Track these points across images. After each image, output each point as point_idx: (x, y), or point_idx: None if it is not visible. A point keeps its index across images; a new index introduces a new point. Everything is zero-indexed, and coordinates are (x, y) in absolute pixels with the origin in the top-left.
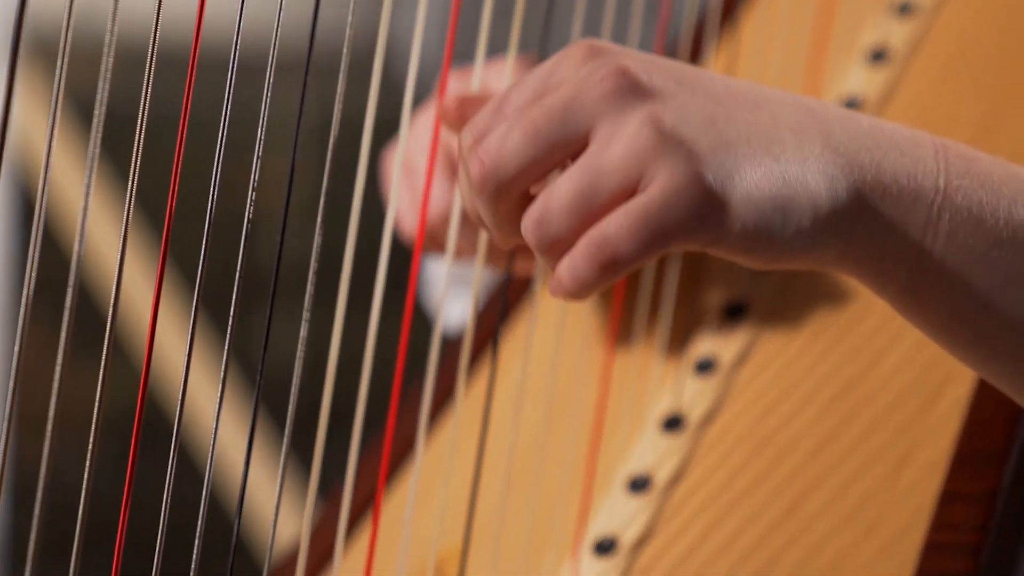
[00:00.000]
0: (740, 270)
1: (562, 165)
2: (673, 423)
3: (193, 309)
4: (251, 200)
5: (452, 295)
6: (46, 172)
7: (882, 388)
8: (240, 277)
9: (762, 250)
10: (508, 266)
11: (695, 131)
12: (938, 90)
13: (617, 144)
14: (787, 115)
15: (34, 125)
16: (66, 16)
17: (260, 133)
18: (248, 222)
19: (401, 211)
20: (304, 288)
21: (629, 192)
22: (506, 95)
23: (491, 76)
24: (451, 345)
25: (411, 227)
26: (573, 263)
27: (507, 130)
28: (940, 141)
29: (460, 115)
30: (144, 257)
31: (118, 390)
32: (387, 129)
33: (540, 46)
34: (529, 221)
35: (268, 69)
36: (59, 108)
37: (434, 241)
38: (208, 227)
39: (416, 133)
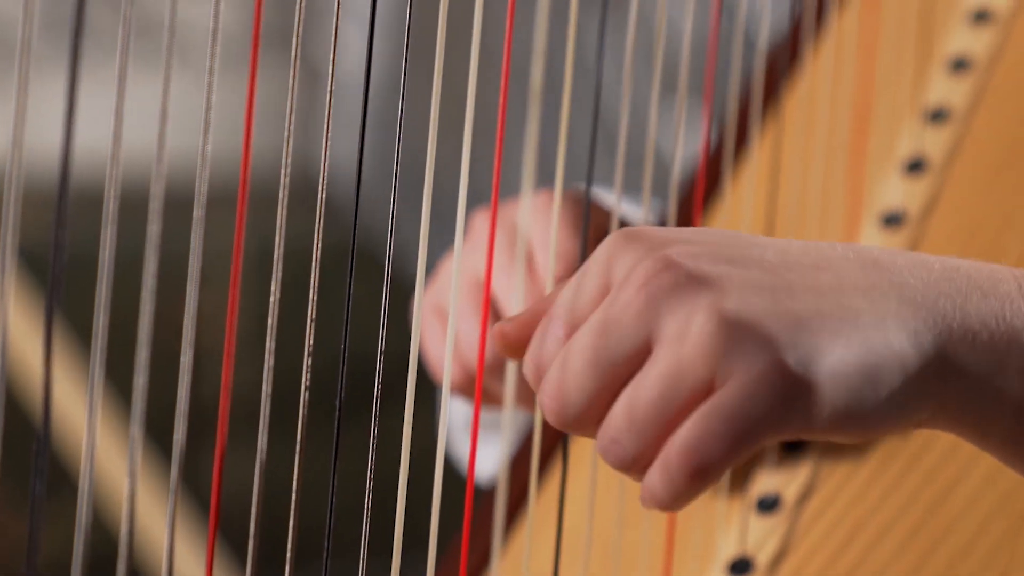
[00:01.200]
0: None
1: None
2: (741, 567)
3: (130, 446)
4: (189, 333)
5: (483, 441)
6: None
7: (963, 516)
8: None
9: (857, 425)
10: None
11: (761, 313)
12: (984, 195)
13: (687, 342)
14: (852, 274)
15: None
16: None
17: (193, 265)
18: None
19: (435, 358)
20: (255, 419)
21: (705, 393)
22: (552, 312)
23: (534, 216)
24: (484, 497)
25: (456, 379)
26: (666, 475)
27: (564, 360)
28: (1021, 272)
29: (520, 338)
30: (84, 394)
31: (61, 528)
32: (332, 254)
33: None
34: (606, 442)
35: (196, 201)
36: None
37: (471, 387)
38: (146, 361)
39: (448, 275)
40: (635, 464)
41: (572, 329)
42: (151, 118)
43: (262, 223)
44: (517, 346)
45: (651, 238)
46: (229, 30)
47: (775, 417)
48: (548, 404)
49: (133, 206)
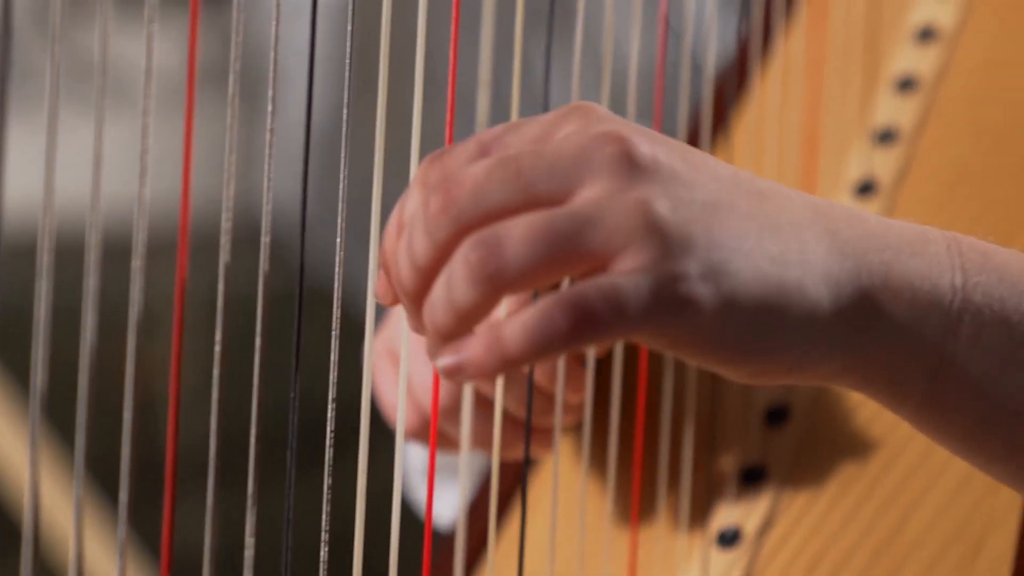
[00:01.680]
0: (753, 431)
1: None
2: None
3: (76, 503)
4: (131, 382)
5: (441, 486)
6: None
7: (920, 542)
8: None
9: (742, 360)
10: (502, 451)
11: (690, 219)
12: (936, 213)
13: (604, 213)
14: (793, 212)
15: None
16: None
17: (133, 314)
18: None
19: (388, 402)
20: (205, 470)
21: (599, 261)
22: (485, 134)
23: None
24: (443, 543)
25: (411, 424)
26: (538, 316)
27: (486, 165)
28: (951, 235)
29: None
30: (25, 451)
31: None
32: (279, 297)
33: None
34: (476, 242)
35: (134, 249)
36: None
37: (426, 432)
38: (88, 409)
39: (399, 321)
40: (498, 288)
41: (497, 148)
42: (87, 162)
43: (206, 268)
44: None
45: (610, 115)
46: (167, 69)
47: (656, 317)
48: (443, 193)
49: (71, 254)
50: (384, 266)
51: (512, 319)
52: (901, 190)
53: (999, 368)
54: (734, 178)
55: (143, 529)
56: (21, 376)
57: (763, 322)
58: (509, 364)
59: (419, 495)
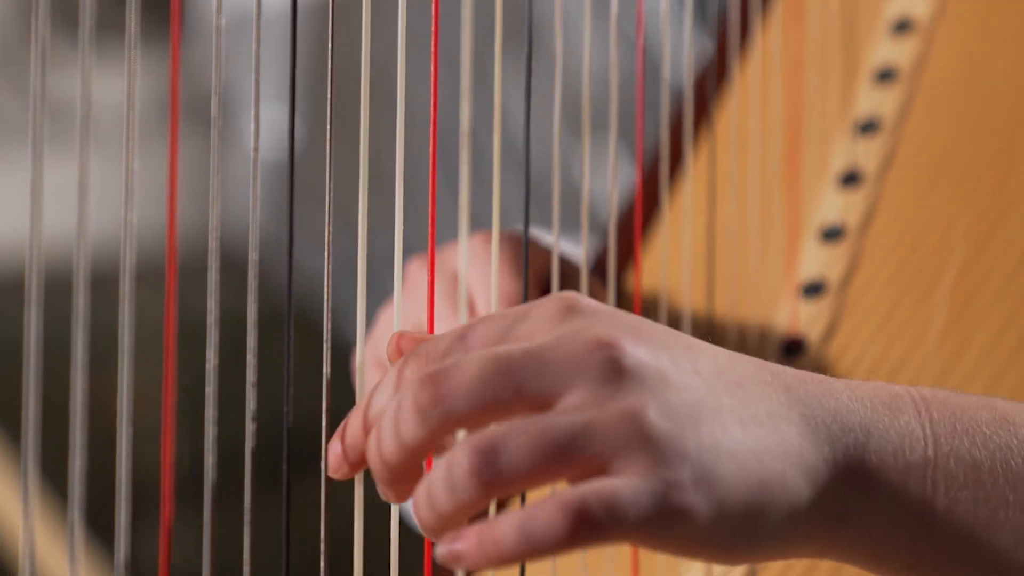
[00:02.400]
0: None
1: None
2: None
3: (70, 532)
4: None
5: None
6: None
7: None
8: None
9: (728, 557)
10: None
11: (679, 424)
12: (923, 201)
13: (596, 422)
14: (770, 397)
15: None
16: None
17: (122, 342)
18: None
19: None
20: (197, 492)
21: (595, 467)
22: (470, 326)
23: (453, 257)
24: None
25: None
26: (536, 517)
27: (470, 360)
28: (918, 395)
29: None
30: (18, 481)
31: None
32: (260, 322)
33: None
34: (474, 449)
35: (122, 277)
36: None
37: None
38: (80, 440)
39: (386, 326)
40: (488, 485)
41: (482, 343)
42: (64, 201)
43: (189, 296)
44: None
45: (593, 309)
46: (142, 106)
47: (650, 524)
48: (428, 388)
49: (56, 288)
50: (344, 438)
51: (507, 517)
52: (885, 180)
53: (977, 533)
54: (715, 371)
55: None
56: (13, 409)
57: (750, 521)
58: (502, 561)
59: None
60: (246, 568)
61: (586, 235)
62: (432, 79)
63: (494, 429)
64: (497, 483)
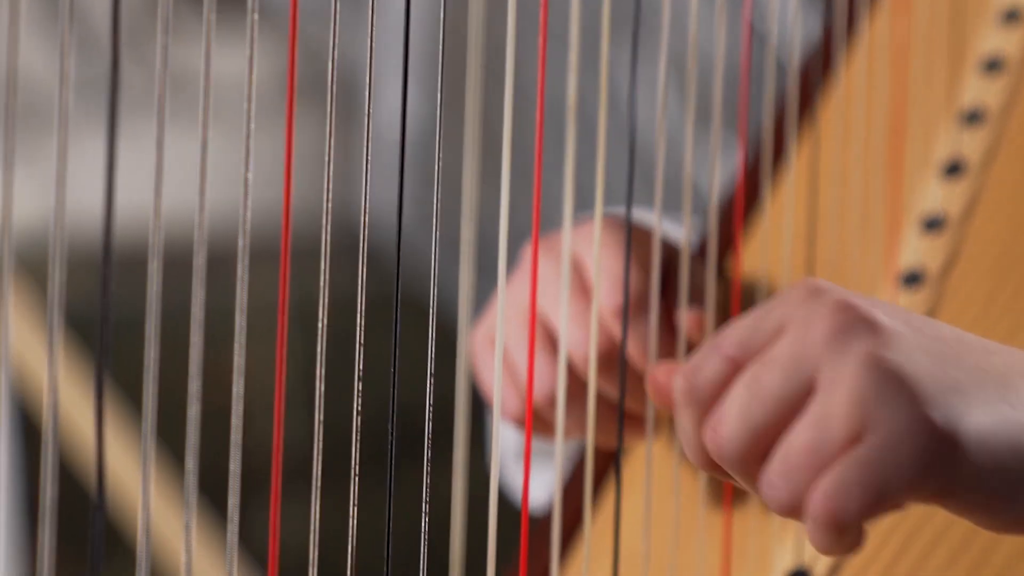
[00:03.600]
0: None
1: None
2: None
3: (186, 508)
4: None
5: (536, 469)
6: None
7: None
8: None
9: (1000, 507)
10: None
11: (921, 370)
12: (1021, 200)
13: (840, 389)
14: (1018, 364)
15: (27, 341)
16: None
17: (239, 320)
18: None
19: (489, 389)
20: (304, 473)
21: (853, 440)
22: (722, 339)
23: (580, 242)
24: (539, 525)
25: (513, 409)
26: (812, 523)
27: (733, 398)
28: None
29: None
30: (135, 456)
31: None
32: (376, 305)
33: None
34: (764, 486)
35: (240, 257)
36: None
37: (541, 422)
38: (196, 419)
39: (509, 309)
40: (792, 510)
41: (734, 363)
42: (185, 175)
43: (305, 275)
44: (665, 393)
45: (833, 288)
46: (264, 81)
47: (915, 472)
48: (710, 438)
49: (171, 264)
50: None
51: (812, 504)
52: (988, 171)
53: None
54: (957, 336)
55: (248, 531)
56: (130, 382)
57: (1010, 458)
58: (830, 545)
59: (514, 479)
60: (350, 545)
61: (688, 217)
62: (540, 57)
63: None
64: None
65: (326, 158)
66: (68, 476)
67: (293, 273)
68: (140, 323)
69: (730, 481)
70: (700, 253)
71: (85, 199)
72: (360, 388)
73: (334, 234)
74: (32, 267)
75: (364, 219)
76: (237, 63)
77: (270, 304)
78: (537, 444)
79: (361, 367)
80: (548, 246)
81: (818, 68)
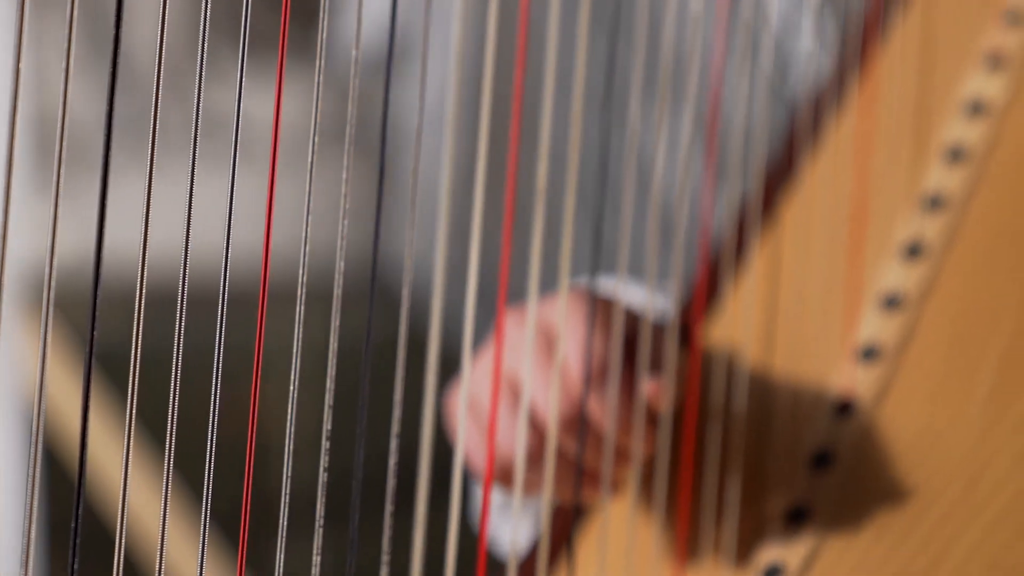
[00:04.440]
0: (800, 474)
1: None
2: None
3: (202, 537)
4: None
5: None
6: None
7: None
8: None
9: None
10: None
11: None
12: (978, 278)
13: None
14: None
15: (56, 378)
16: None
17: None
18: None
19: (470, 449)
20: (313, 512)
21: None
22: None
23: (552, 311)
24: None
25: (480, 464)
26: None
27: None
28: None
29: None
30: (153, 486)
31: None
32: (387, 348)
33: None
34: None
35: (260, 298)
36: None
37: (507, 477)
38: (209, 457)
39: (479, 369)
40: None
41: None
42: (214, 213)
43: (324, 316)
44: None
45: None
46: (292, 125)
47: None
48: None
49: (197, 301)
50: None
51: None
52: (948, 253)
53: None
54: None
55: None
56: (153, 417)
57: None
58: None
59: (495, 531)
60: None
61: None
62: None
63: None
64: None
65: (342, 203)
66: (90, 506)
67: (317, 319)
68: (167, 356)
69: None
70: (683, 316)
71: (123, 235)
72: (365, 430)
73: (362, 278)
74: (69, 301)
75: (374, 266)
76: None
77: (290, 344)
78: (519, 499)
79: (366, 409)
80: (520, 314)
81: (787, 157)
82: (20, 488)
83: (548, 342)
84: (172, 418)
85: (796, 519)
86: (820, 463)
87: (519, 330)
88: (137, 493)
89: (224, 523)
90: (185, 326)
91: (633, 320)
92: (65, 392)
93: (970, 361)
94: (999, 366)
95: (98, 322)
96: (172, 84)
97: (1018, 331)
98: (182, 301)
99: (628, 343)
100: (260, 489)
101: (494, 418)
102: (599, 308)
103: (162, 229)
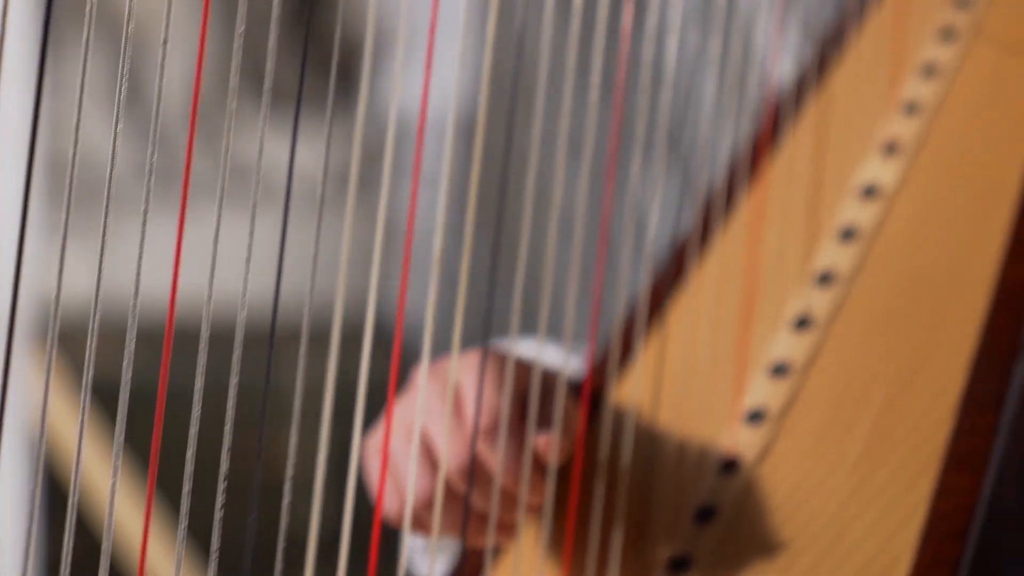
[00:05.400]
0: (683, 527)
1: None
2: None
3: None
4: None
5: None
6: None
7: None
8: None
9: None
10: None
11: None
12: (858, 352)
13: None
14: None
15: (55, 408)
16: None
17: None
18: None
19: (380, 496)
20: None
21: None
22: None
23: (463, 370)
24: None
25: (394, 512)
26: None
27: None
28: None
29: None
30: (163, 528)
31: None
32: (382, 393)
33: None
34: None
35: (269, 341)
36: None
37: (419, 524)
38: (222, 498)
39: (396, 420)
40: None
41: None
42: (232, 255)
43: (345, 361)
44: None
45: None
46: (307, 170)
47: None
48: None
49: (215, 340)
50: None
51: None
52: (832, 326)
53: None
54: None
55: None
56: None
57: None
58: None
59: (421, 570)
60: None
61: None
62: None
63: None
64: None
65: (343, 255)
66: (88, 540)
67: (320, 361)
68: (188, 393)
69: None
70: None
71: (129, 274)
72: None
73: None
74: (76, 338)
75: (370, 315)
76: (301, 153)
77: (309, 385)
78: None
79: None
80: (434, 371)
81: (696, 235)
82: (23, 515)
83: (457, 399)
84: (164, 449)
85: (678, 568)
86: (704, 517)
87: (428, 384)
88: (132, 523)
89: (223, 561)
90: (206, 364)
91: (526, 376)
92: (69, 426)
93: (844, 428)
94: (869, 434)
95: (94, 356)
96: (206, 132)
97: (888, 403)
98: (167, 339)
99: (522, 398)
100: (263, 527)
101: (385, 468)
102: (497, 365)
103: (183, 269)
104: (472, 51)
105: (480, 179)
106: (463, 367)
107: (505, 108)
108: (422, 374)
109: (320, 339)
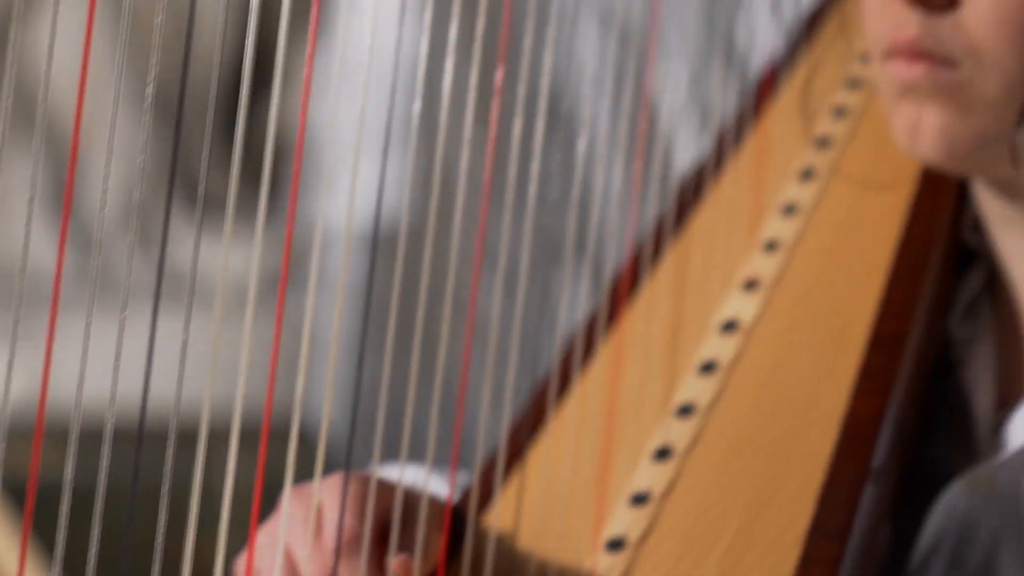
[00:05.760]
0: None
1: None
2: None
3: None
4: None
5: None
6: None
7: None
8: None
9: None
10: None
11: None
12: (714, 481)
13: None
14: None
15: None
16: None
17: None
18: None
19: None
20: None
21: None
22: None
23: (325, 492)
24: None
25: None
26: None
27: None
28: None
29: None
30: None
31: None
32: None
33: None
34: None
35: (201, 440)
36: None
37: None
38: None
39: (262, 540)
40: None
41: None
42: (168, 355)
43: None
44: None
45: None
46: (239, 273)
47: None
48: None
49: (151, 439)
50: None
51: None
52: (691, 456)
53: None
54: None
55: None
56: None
57: None
58: None
59: None
60: None
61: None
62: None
63: None
64: None
65: (271, 356)
66: None
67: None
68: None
69: None
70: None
71: (71, 377)
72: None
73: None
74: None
75: (297, 408)
76: (237, 257)
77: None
78: None
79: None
80: (298, 493)
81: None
82: None
83: (319, 519)
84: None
85: None
86: None
87: (292, 505)
88: None
89: None
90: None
91: (388, 499)
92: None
93: (699, 554)
94: (721, 561)
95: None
96: (145, 240)
97: (741, 531)
98: (36, 437)
99: (383, 521)
100: None
101: None
102: (359, 487)
103: (102, 369)
104: (395, 166)
105: (400, 289)
106: (325, 489)
107: (426, 220)
108: (285, 497)
109: (250, 439)
